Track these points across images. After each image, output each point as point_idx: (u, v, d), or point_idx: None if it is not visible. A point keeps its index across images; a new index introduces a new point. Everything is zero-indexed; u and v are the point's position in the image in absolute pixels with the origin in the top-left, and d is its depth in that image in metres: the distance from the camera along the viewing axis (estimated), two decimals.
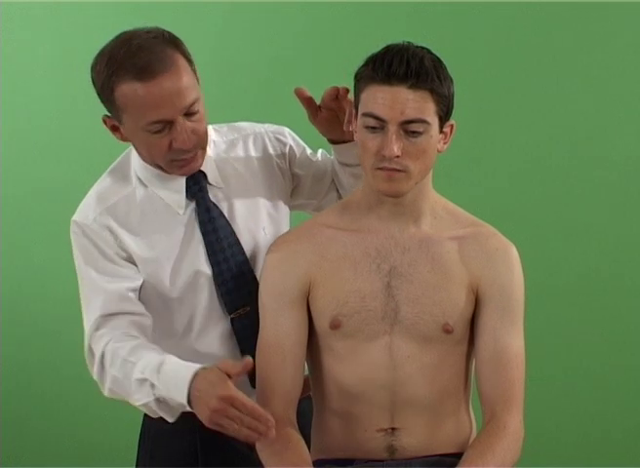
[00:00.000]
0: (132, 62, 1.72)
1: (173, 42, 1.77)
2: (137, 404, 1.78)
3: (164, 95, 1.72)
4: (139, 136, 1.77)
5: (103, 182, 1.90)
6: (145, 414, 2.02)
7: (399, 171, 1.67)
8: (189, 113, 1.75)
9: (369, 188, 1.76)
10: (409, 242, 1.76)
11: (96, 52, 3.33)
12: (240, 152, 1.96)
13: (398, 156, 1.65)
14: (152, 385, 1.72)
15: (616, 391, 3.03)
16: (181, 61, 1.75)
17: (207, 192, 1.88)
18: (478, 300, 1.77)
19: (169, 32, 1.80)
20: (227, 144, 1.95)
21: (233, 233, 1.88)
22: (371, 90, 1.67)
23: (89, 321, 1.85)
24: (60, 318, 3.36)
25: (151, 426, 2.01)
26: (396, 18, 2.97)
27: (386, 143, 1.65)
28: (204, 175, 1.88)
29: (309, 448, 1.79)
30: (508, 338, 1.76)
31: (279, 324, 1.77)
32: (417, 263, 1.75)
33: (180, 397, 1.67)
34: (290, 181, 2.02)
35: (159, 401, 1.74)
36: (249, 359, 1.65)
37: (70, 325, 3.35)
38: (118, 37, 1.79)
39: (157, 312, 1.87)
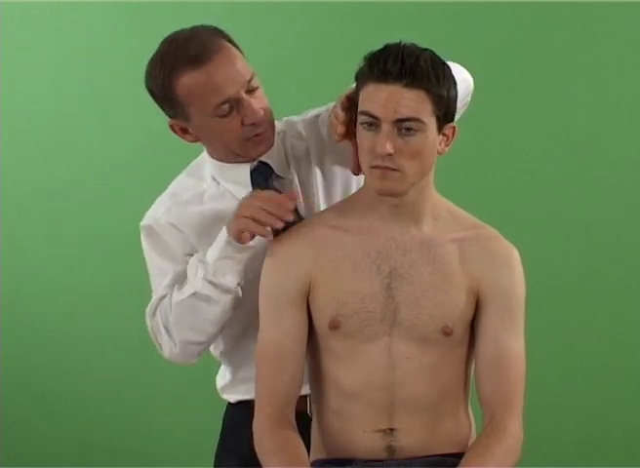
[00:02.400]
0: (184, 54, 1.79)
1: (216, 30, 1.85)
2: (197, 287, 1.83)
3: (223, 74, 1.78)
4: (209, 125, 1.82)
5: (179, 182, 1.97)
6: (227, 406, 2.06)
7: (393, 170, 1.67)
8: (250, 89, 1.81)
9: (370, 190, 1.76)
10: (410, 243, 1.76)
11: (96, 51, 3.35)
12: (298, 145, 1.97)
13: (391, 154, 1.65)
14: (200, 261, 1.83)
15: (616, 391, 3.04)
16: (229, 45, 1.83)
17: (271, 183, 1.90)
18: (479, 302, 1.77)
19: (209, 25, 1.87)
20: (284, 141, 1.96)
21: (302, 220, 1.88)
22: (368, 88, 1.67)
23: (155, 293, 1.92)
24: (60, 318, 3.36)
25: (226, 418, 2.06)
26: (396, 18, 2.97)
27: (379, 141, 1.65)
28: (268, 166, 1.90)
29: (309, 448, 1.79)
30: (509, 340, 1.75)
31: (279, 323, 1.76)
32: (417, 265, 1.75)
33: (221, 237, 1.80)
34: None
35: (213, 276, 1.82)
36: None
37: (70, 324, 3.37)
38: (163, 42, 1.85)
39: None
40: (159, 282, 1.92)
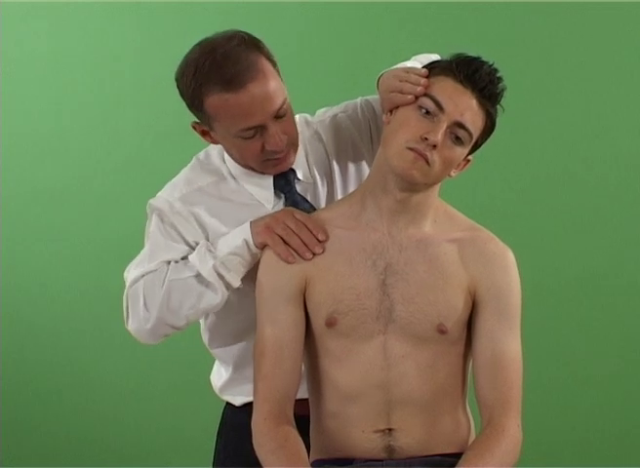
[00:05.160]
0: (219, 74, 1.74)
1: (255, 46, 1.79)
2: (203, 272, 1.81)
3: (254, 102, 1.74)
4: (230, 141, 1.81)
5: (191, 171, 1.93)
6: (226, 405, 2.03)
7: (426, 162, 1.67)
8: (279, 116, 1.78)
9: (377, 177, 1.76)
10: (406, 241, 1.76)
11: (96, 52, 3.35)
12: (317, 147, 1.96)
13: (435, 146, 1.66)
14: (209, 250, 1.81)
15: (616, 391, 3.04)
16: (267, 66, 1.78)
17: (294, 186, 1.90)
18: (475, 303, 1.77)
19: (248, 35, 1.81)
20: (312, 137, 1.96)
21: None
22: (445, 82, 1.69)
23: (145, 263, 1.87)
24: (60, 318, 3.36)
25: (228, 419, 2.04)
26: (396, 18, 2.97)
27: (434, 129, 1.66)
28: (293, 171, 1.90)
29: (309, 448, 1.79)
30: (506, 342, 1.76)
31: (276, 321, 1.77)
32: (413, 263, 1.75)
33: (240, 235, 1.79)
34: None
35: (221, 265, 1.81)
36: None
37: (70, 324, 3.37)
38: (200, 45, 1.79)
39: (230, 312, 1.90)
40: (160, 254, 1.87)
